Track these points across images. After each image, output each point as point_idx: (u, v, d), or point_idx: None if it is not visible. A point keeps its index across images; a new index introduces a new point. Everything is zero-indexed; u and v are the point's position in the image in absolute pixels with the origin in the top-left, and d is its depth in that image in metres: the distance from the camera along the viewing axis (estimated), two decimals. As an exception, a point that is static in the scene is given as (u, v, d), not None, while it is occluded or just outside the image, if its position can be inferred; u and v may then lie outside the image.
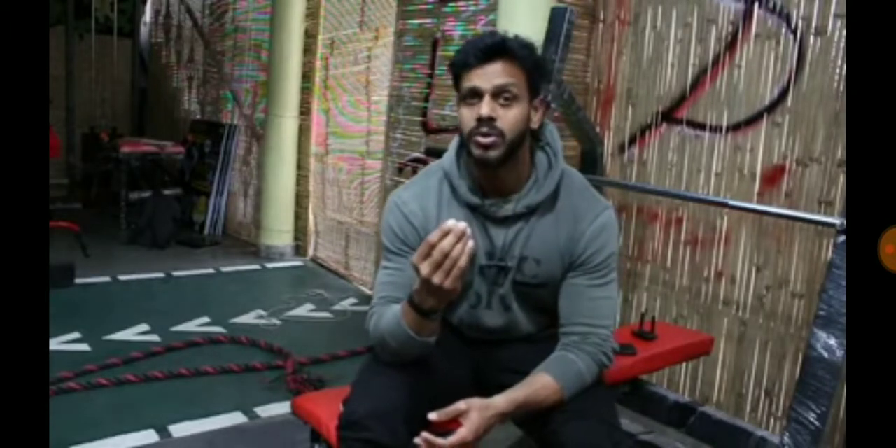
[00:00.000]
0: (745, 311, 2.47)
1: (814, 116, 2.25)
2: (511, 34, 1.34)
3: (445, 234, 1.15)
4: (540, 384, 1.31)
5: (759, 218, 2.40)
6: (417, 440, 1.19)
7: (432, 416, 1.22)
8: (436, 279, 1.17)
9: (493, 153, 1.31)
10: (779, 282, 2.36)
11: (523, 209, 1.39)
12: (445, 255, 1.15)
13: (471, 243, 1.17)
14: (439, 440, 1.18)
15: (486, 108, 1.30)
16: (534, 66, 1.34)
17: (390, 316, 1.32)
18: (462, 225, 1.16)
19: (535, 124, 1.38)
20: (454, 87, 1.37)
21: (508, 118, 1.31)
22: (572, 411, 1.32)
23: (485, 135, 1.30)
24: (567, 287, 1.42)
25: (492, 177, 1.38)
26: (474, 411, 1.22)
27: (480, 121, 1.30)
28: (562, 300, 1.43)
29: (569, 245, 1.40)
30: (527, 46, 1.34)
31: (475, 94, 1.32)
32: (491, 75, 1.30)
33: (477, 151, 1.32)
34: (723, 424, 1.99)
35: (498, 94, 1.30)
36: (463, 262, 1.16)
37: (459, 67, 1.34)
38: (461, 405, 1.23)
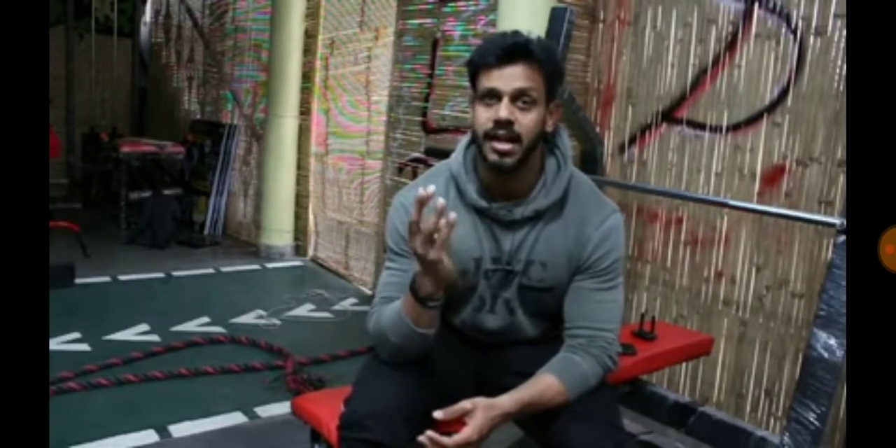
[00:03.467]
0: (745, 311, 2.47)
1: (814, 116, 2.25)
2: (533, 36, 1.31)
3: (420, 203, 1.17)
4: (545, 385, 1.31)
5: (759, 218, 2.40)
6: (422, 438, 1.19)
7: (438, 414, 1.22)
8: (420, 249, 1.19)
9: (509, 160, 1.30)
10: (779, 282, 2.36)
11: (531, 213, 1.38)
12: (419, 224, 1.17)
13: (452, 215, 1.17)
14: (444, 439, 1.18)
15: (504, 110, 1.28)
16: (553, 70, 1.32)
17: (391, 310, 1.33)
18: (431, 188, 1.16)
19: (549, 128, 1.37)
20: (470, 84, 1.35)
21: (526, 122, 1.29)
22: (575, 412, 1.31)
23: (502, 140, 1.29)
24: (573, 290, 1.41)
25: (501, 181, 1.37)
26: (479, 411, 1.22)
27: (498, 123, 1.28)
28: (568, 303, 1.42)
29: (576, 249, 1.39)
30: (548, 49, 1.31)
31: (493, 95, 1.29)
32: (511, 78, 1.28)
33: (493, 157, 1.31)
34: (723, 424, 1.99)
35: (517, 97, 1.28)
36: (442, 232, 1.17)
37: (478, 65, 1.31)
38: (466, 404, 1.23)
